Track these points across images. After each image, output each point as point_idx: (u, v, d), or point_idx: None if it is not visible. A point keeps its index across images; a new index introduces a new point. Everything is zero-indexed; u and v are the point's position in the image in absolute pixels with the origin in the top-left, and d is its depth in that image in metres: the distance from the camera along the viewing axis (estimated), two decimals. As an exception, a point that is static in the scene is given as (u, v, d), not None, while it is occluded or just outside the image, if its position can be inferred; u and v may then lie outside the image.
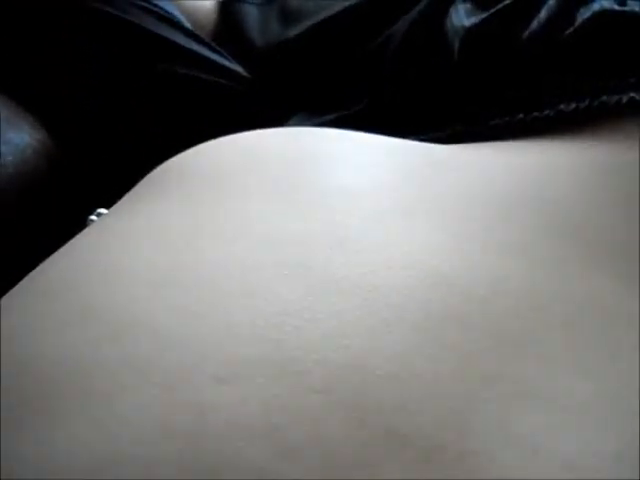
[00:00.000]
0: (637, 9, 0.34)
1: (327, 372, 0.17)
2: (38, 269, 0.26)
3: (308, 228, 0.23)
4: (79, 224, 0.32)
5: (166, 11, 0.55)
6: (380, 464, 0.15)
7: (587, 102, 0.32)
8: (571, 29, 0.34)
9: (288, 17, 0.55)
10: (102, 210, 0.34)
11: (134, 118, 0.52)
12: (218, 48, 0.55)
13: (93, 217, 0.34)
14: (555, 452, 0.16)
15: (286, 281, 0.20)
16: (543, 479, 0.15)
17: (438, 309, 0.19)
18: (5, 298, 0.25)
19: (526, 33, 0.35)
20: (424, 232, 0.23)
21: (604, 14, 0.34)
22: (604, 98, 0.32)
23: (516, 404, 0.17)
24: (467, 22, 0.37)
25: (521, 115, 0.33)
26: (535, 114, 0.33)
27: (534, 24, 0.35)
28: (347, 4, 0.43)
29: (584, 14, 0.34)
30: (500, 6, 0.36)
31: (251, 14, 0.59)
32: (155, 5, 0.54)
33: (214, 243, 0.23)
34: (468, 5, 0.38)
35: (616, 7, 0.34)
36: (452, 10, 0.38)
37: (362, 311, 0.19)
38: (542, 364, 0.18)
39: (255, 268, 0.21)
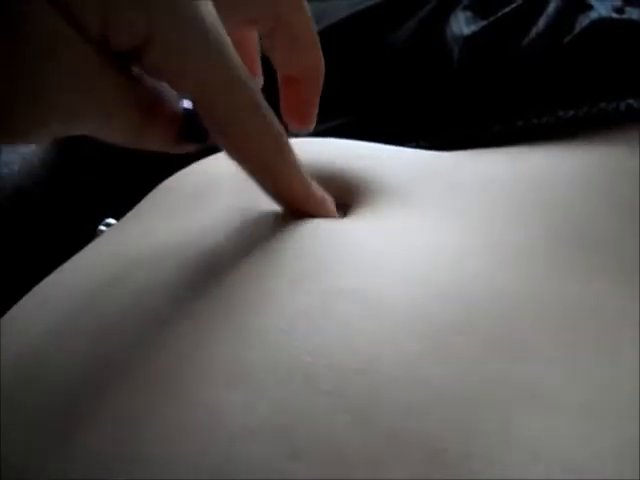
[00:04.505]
0: (635, 17, 0.34)
1: (335, 376, 0.18)
2: (48, 279, 0.27)
3: (316, 241, 0.23)
4: (88, 234, 0.32)
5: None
6: (384, 465, 0.16)
7: (585, 109, 0.33)
8: (570, 37, 0.34)
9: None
10: (111, 220, 0.35)
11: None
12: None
13: (102, 227, 0.35)
14: (556, 454, 0.16)
15: (297, 290, 0.21)
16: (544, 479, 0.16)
17: (441, 318, 0.20)
18: (14, 309, 0.25)
19: (525, 41, 0.35)
20: (426, 242, 0.23)
21: (602, 22, 0.34)
22: (602, 105, 0.32)
23: (517, 407, 0.17)
24: (467, 30, 0.37)
25: (520, 122, 0.34)
26: (534, 121, 0.33)
27: (533, 32, 0.36)
28: (348, 12, 0.43)
29: (582, 22, 0.35)
30: (499, 14, 0.37)
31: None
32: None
33: (227, 254, 0.23)
34: (468, 13, 0.38)
35: (614, 15, 0.35)
36: (452, 18, 0.38)
37: (369, 320, 0.20)
38: (543, 368, 0.19)
39: (267, 278, 0.22)
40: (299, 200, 0.25)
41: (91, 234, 0.32)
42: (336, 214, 0.27)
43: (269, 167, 0.23)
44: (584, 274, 0.22)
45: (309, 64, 0.29)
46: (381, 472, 0.16)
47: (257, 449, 0.16)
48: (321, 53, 0.29)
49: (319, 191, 0.26)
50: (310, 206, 0.25)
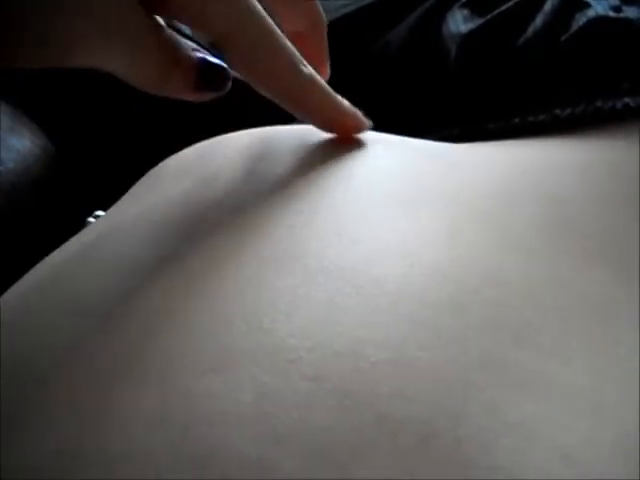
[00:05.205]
0: (631, 16, 0.34)
1: (319, 359, 0.17)
2: (35, 268, 0.27)
3: (304, 220, 0.23)
4: (78, 225, 0.32)
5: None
6: (373, 450, 0.15)
7: (582, 107, 0.33)
8: (566, 35, 0.35)
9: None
10: (100, 212, 0.35)
11: (133, 117, 0.53)
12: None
13: (91, 219, 0.35)
14: (551, 440, 0.16)
15: (279, 271, 0.20)
16: (539, 467, 0.15)
17: (433, 298, 0.19)
18: (5, 295, 0.25)
19: (522, 39, 0.36)
20: (420, 223, 0.23)
21: (599, 21, 0.34)
22: (599, 103, 0.32)
23: (512, 392, 0.17)
24: (464, 28, 0.37)
25: (517, 119, 0.33)
26: (530, 119, 0.33)
27: (530, 30, 0.36)
28: (346, 11, 0.43)
29: (579, 20, 0.35)
30: (496, 12, 0.37)
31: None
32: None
33: (209, 237, 0.23)
34: (465, 11, 0.38)
35: (611, 14, 0.35)
36: (449, 16, 0.39)
37: (356, 299, 0.19)
38: (539, 353, 0.18)
39: (248, 260, 0.21)
40: (328, 114, 0.27)
41: (80, 225, 0.32)
42: (368, 123, 0.29)
43: (292, 88, 0.26)
44: (581, 262, 0.22)
45: (309, 19, 0.31)
46: (367, 458, 0.15)
47: (239, 436, 0.16)
48: (320, 8, 0.32)
49: (345, 102, 0.28)
50: (341, 117, 0.28)
